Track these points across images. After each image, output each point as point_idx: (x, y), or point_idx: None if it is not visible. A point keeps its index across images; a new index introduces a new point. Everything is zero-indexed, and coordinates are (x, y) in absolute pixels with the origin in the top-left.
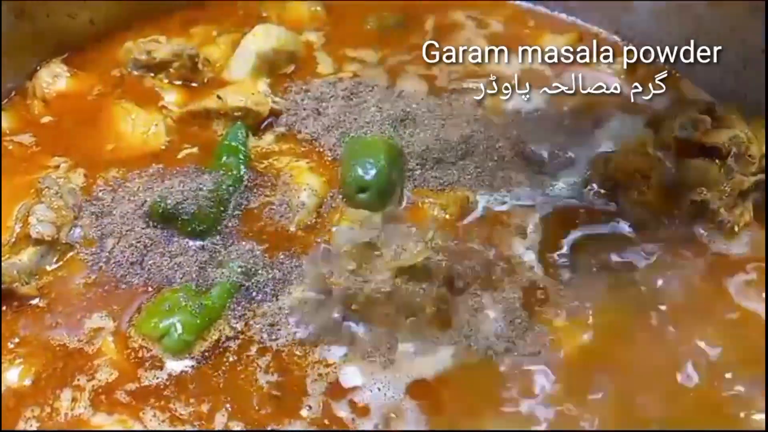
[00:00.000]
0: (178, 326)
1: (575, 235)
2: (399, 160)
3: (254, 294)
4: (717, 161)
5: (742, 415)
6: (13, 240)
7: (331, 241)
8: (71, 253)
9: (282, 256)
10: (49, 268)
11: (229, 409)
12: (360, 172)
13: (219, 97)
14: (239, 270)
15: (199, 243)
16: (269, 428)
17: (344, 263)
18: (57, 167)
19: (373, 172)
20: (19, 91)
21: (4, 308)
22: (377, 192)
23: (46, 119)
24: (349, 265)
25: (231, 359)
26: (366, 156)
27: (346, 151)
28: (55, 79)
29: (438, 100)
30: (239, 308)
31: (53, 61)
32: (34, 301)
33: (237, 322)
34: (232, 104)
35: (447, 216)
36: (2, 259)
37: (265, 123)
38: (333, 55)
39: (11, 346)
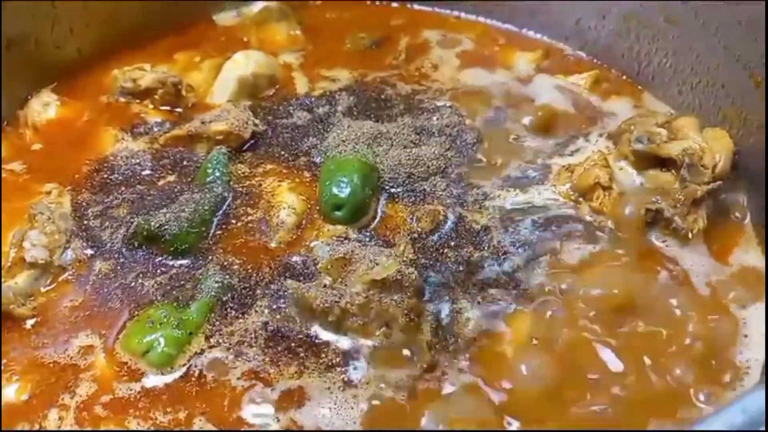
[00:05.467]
0: (161, 341)
1: (545, 245)
2: (372, 177)
3: (232, 309)
4: (672, 171)
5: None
6: (9, 264)
7: (310, 257)
8: (63, 276)
9: (261, 273)
10: (42, 290)
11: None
12: (335, 190)
13: (202, 122)
14: (217, 286)
15: (181, 262)
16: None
17: (321, 278)
18: (48, 193)
19: (347, 190)
20: (11, 121)
21: None
22: (352, 209)
23: (37, 146)
24: (326, 279)
25: (206, 372)
26: (341, 175)
27: (323, 171)
28: (45, 107)
29: (412, 119)
30: (217, 323)
31: (43, 90)
32: (29, 322)
33: (214, 336)
34: (215, 128)
35: (419, 230)
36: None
37: (247, 145)
38: (310, 76)
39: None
